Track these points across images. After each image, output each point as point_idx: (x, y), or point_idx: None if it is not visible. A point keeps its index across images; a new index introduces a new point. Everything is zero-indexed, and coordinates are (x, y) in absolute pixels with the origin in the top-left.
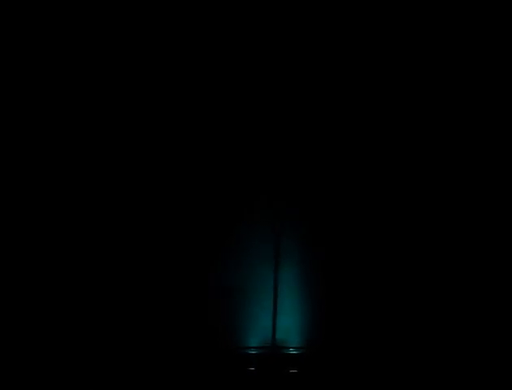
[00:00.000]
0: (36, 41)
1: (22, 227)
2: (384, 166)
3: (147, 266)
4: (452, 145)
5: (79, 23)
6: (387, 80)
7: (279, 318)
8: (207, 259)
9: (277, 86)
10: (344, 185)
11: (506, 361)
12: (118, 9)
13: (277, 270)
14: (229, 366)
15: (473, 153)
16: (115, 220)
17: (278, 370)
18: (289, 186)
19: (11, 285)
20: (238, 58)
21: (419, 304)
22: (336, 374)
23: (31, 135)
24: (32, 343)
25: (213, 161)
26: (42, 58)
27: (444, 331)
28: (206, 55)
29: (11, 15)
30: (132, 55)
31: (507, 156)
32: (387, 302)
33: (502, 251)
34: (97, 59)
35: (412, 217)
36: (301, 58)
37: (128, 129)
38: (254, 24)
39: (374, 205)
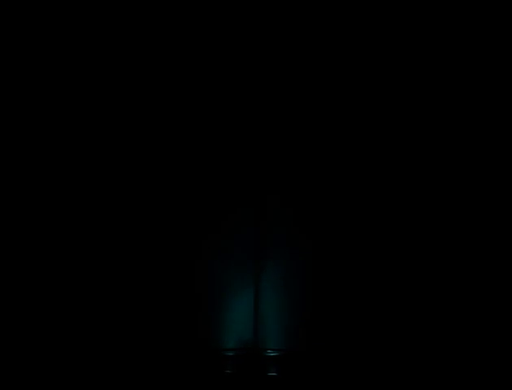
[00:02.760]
0: (36, 41)
1: (14, 226)
2: (375, 165)
3: (123, 266)
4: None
5: (78, 24)
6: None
7: (260, 318)
8: (186, 257)
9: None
10: (334, 182)
11: (506, 361)
12: (117, 9)
13: (259, 268)
14: (208, 368)
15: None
16: (92, 215)
17: (259, 373)
18: (274, 182)
19: (6, 285)
20: (225, 57)
21: (408, 308)
22: (319, 377)
23: (29, 135)
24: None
25: (192, 161)
26: (42, 59)
27: (437, 334)
28: (193, 53)
29: (11, 15)
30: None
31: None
32: (374, 303)
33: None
34: (94, 59)
35: (403, 221)
36: (282, 56)
37: (112, 124)
38: (241, 25)
39: (364, 204)
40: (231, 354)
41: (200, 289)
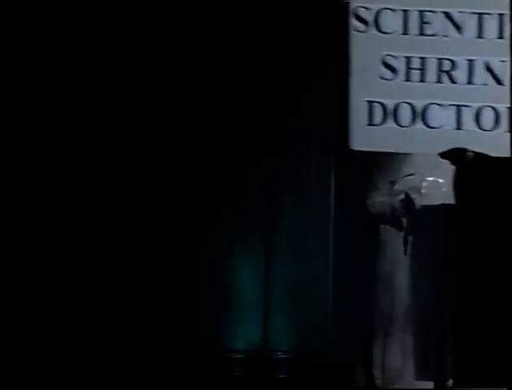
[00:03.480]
0: (36, 41)
1: (20, 228)
2: None
3: (130, 268)
4: None
5: (79, 24)
6: None
7: (270, 320)
8: (195, 259)
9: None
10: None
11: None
12: (116, 10)
13: (268, 271)
14: (217, 370)
15: None
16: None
17: (268, 376)
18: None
19: (11, 285)
20: None
21: None
22: (328, 380)
23: (30, 135)
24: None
25: (199, 162)
26: (43, 59)
27: None
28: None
29: (11, 15)
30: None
31: None
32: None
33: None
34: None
35: None
36: None
37: (117, 125)
38: None
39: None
40: (240, 356)
41: (206, 290)
